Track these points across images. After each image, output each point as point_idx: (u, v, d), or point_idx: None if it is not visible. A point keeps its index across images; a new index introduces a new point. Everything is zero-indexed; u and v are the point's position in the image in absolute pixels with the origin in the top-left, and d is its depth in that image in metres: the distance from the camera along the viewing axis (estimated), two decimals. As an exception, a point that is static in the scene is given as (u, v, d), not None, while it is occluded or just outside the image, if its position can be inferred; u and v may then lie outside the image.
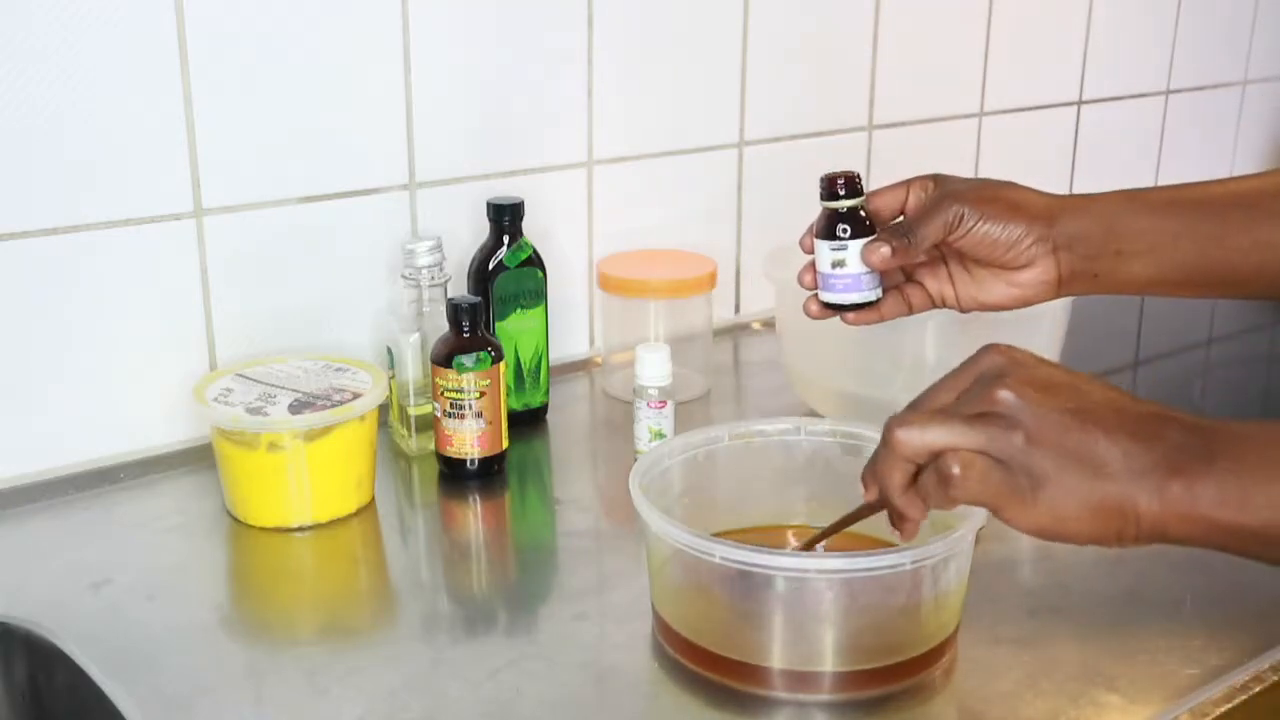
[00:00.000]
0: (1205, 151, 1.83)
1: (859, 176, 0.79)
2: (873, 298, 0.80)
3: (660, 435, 0.96)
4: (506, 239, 1.04)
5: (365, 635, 0.78)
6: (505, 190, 1.12)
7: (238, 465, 0.89)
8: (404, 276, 1.01)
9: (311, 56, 1.01)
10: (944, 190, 0.79)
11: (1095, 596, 0.82)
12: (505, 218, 1.04)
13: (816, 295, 0.82)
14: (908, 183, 0.82)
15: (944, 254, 0.82)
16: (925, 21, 1.42)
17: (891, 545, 0.69)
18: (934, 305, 0.83)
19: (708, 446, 0.83)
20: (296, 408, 0.88)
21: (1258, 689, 0.72)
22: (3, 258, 0.92)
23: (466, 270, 1.06)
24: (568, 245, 1.21)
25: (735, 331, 1.32)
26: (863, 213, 0.79)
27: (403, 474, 1.00)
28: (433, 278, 1.00)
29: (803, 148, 1.33)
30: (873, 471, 0.66)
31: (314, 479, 0.89)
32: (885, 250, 0.77)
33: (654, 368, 0.96)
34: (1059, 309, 1.01)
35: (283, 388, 0.92)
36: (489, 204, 1.04)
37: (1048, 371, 0.63)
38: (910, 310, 0.83)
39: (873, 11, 1.37)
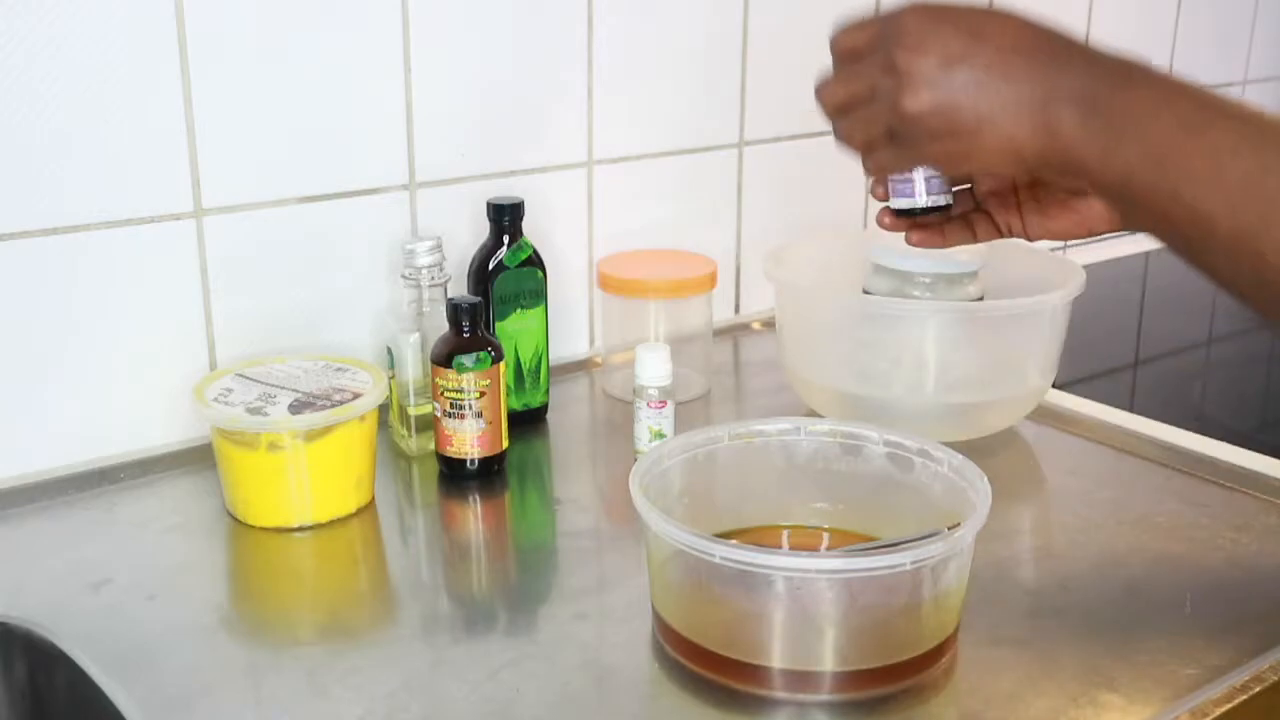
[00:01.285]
0: (1205, 151, 1.83)
1: None
2: (943, 201, 0.78)
3: (660, 435, 0.96)
4: (506, 239, 1.04)
5: (365, 635, 0.78)
6: (505, 190, 1.12)
7: (238, 465, 0.89)
8: (404, 276, 1.01)
9: (311, 57, 1.01)
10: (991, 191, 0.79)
11: (1095, 596, 0.82)
12: (505, 218, 1.04)
13: (887, 207, 0.79)
14: None
15: (1013, 186, 0.79)
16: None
17: (891, 545, 0.69)
18: (999, 235, 0.80)
19: (708, 446, 0.83)
20: (296, 408, 0.88)
21: (1258, 689, 0.72)
22: (3, 258, 0.92)
23: (466, 270, 1.06)
24: (568, 245, 1.21)
25: (735, 331, 1.32)
26: None
27: (403, 474, 1.00)
28: (433, 278, 1.00)
29: (803, 148, 1.33)
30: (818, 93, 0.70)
31: (314, 479, 0.89)
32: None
33: (654, 368, 0.96)
34: (1059, 310, 1.01)
35: (283, 388, 0.92)
36: (489, 204, 1.04)
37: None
38: (975, 238, 0.80)
39: (873, 12, 1.36)
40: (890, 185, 0.79)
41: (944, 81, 0.64)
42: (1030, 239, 0.81)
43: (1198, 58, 1.75)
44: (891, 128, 0.67)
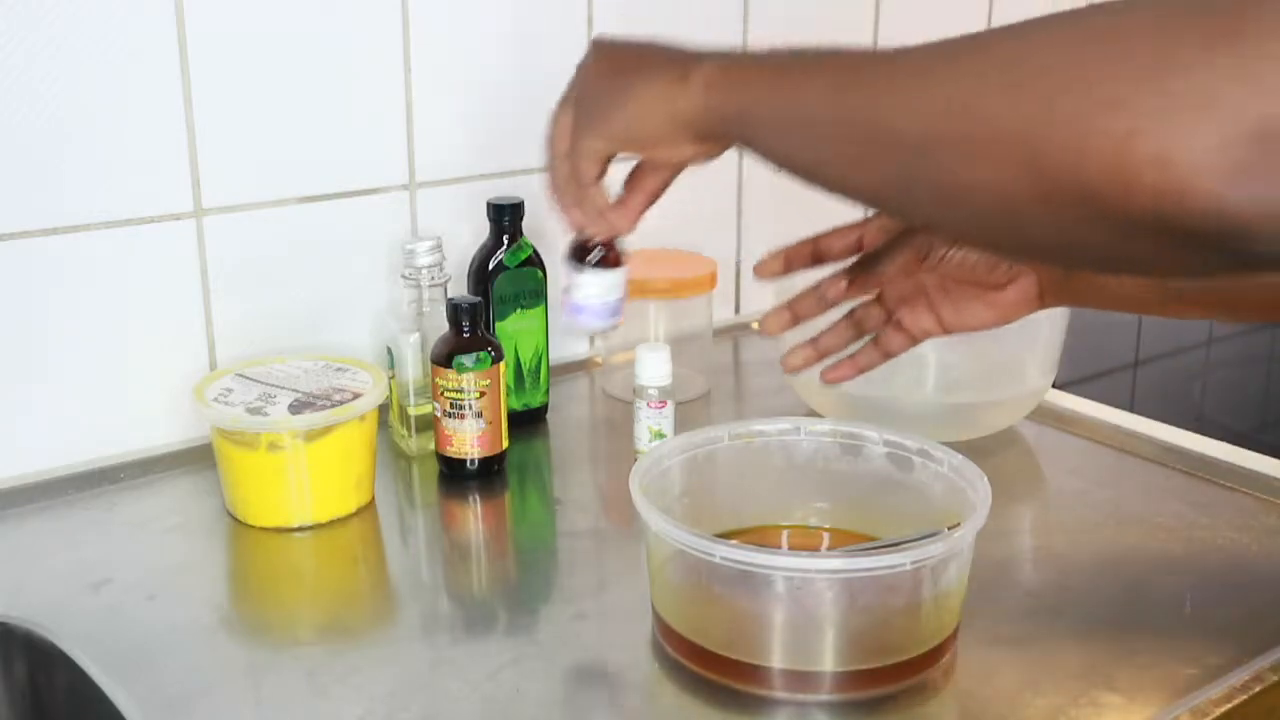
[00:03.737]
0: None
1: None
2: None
3: (660, 435, 0.96)
4: (506, 239, 1.04)
5: (365, 635, 0.78)
6: (505, 190, 1.12)
7: (238, 465, 0.89)
8: (404, 276, 1.01)
9: (311, 56, 1.01)
10: (895, 292, 0.81)
11: (1095, 596, 0.82)
12: (505, 218, 1.04)
13: (797, 348, 0.84)
14: (864, 222, 0.83)
15: (924, 284, 0.82)
16: (925, 21, 1.42)
17: (891, 545, 0.69)
18: (915, 343, 0.83)
19: (708, 446, 0.83)
20: (296, 408, 0.88)
21: (1258, 689, 0.72)
22: (3, 258, 0.92)
23: (466, 270, 1.06)
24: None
25: (735, 331, 1.32)
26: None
27: (403, 474, 1.00)
28: (433, 278, 1.00)
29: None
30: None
31: (314, 479, 0.89)
32: (842, 283, 0.79)
33: (654, 368, 0.96)
34: (1059, 310, 1.01)
35: (283, 388, 0.92)
36: (489, 204, 1.04)
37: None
38: (890, 356, 0.83)
39: (873, 11, 1.37)
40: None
41: (607, 65, 0.73)
42: (948, 333, 0.82)
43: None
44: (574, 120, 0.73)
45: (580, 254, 0.78)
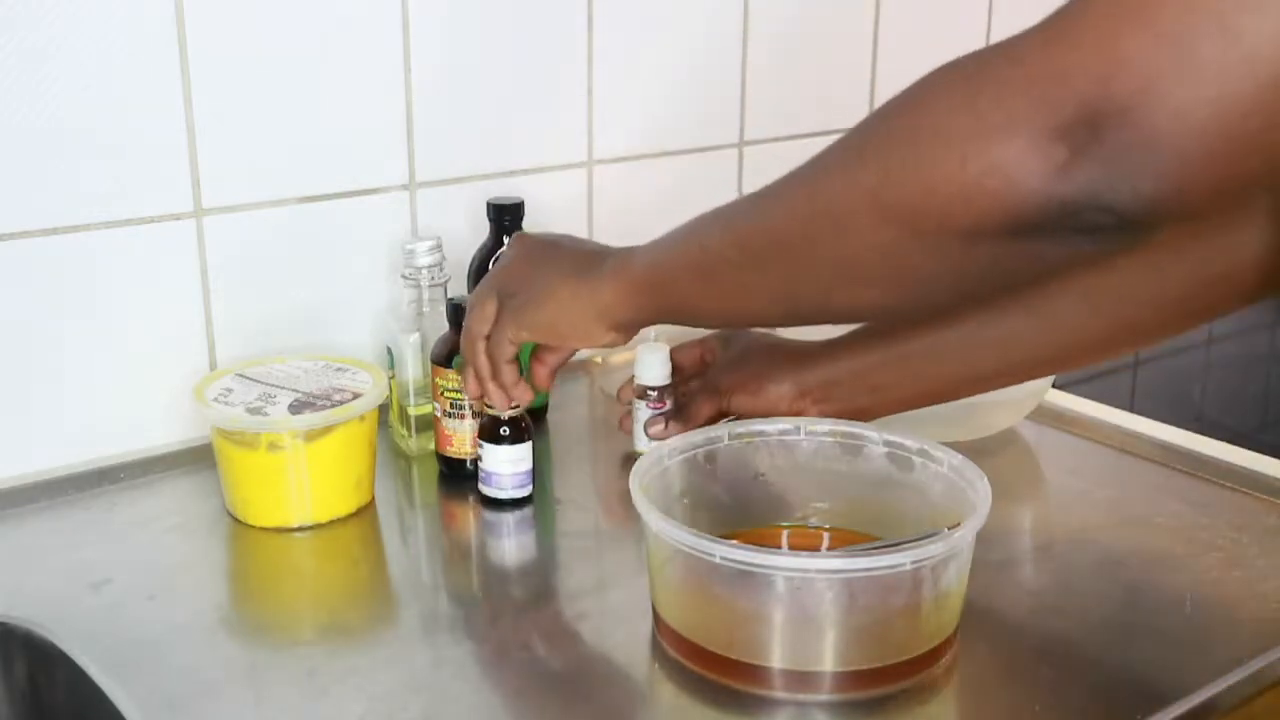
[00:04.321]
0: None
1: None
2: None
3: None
4: (506, 239, 1.04)
5: (365, 635, 0.78)
6: (505, 190, 1.12)
7: (238, 465, 0.89)
8: (404, 276, 1.01)
9: (311, 56, 1.01)
10: (706, 382, 0.94)
11: (1095, 596, 0.82)
12: (505, 218, 1.04)
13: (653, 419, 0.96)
14: (701, 342, 0.97)
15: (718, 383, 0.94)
16: (925, 21, 1.42)
17: (891, 545, 0.69)
18: (713, 420, 0.93)
19: (708, 446, 0.83)
20: (296, 408, 0.88)
21: (1258, 689, 0.72)
22: (3, 258, 0.92)
23: (466, 270, 1.06)
24: (568, 245, 1.20)
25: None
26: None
27: (403, 474, 1.00)
28: (433, 278, 1.00)
29: (803, 148, 1.32)
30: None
31: (314, 479, 0.89)
32: (659, 428, 0.94)
33: (654, 368, 0.96)
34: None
35: (283, 388, 0.92)
36: (489, 204, 1.04)
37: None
38: (691, 425, 0.93)
39: (873, 11, 1.37)
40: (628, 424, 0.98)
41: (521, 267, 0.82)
42: (738, 416, 0.92)
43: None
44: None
45: (492, 429, 0.90)
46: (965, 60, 0.54)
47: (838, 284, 0.62)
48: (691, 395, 0.95)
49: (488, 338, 0.82)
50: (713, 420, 0.93)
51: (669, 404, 0.96)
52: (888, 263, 0.58)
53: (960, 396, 0.90)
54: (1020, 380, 0.91)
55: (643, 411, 0.96)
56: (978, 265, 0.55)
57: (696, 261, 0.69)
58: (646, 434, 0.95)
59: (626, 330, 0.77)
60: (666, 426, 0.94)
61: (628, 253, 0.75)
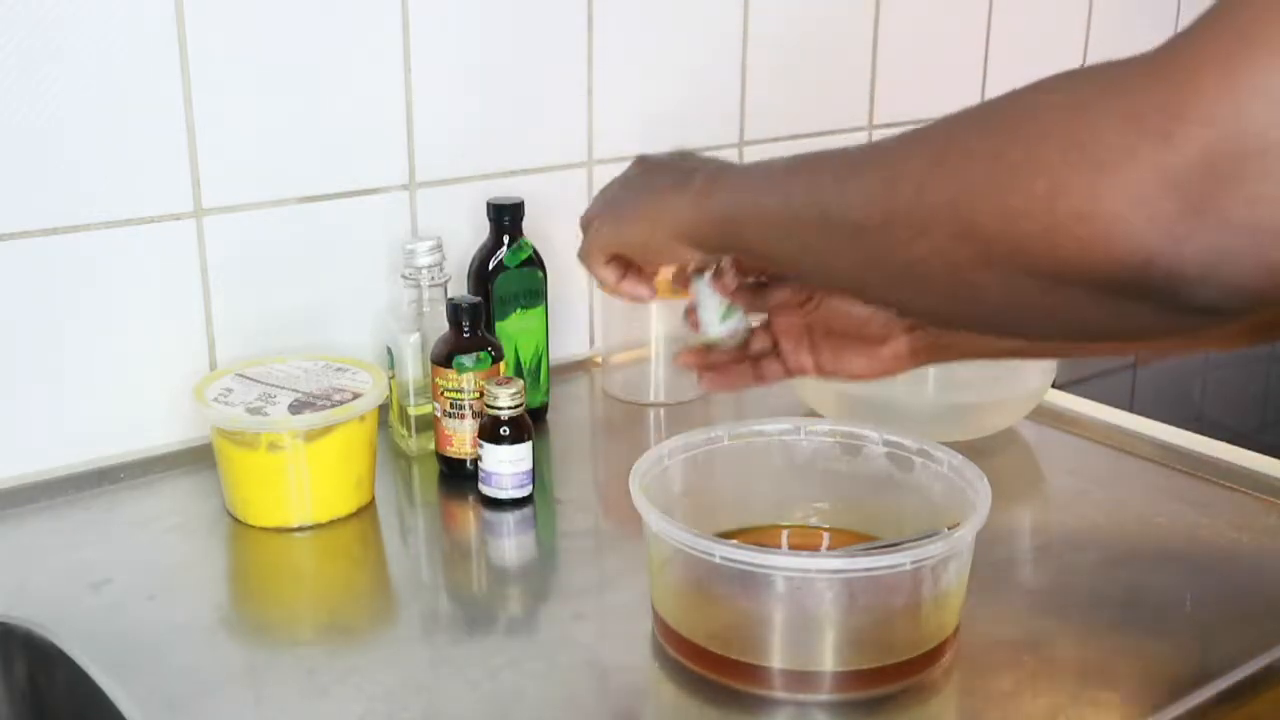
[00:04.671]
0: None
1: None
2: (733, 331, 0.80)
3: (733, 312, 0.82)
4: (506, 239, 1.04)
5: (365, 635, 0.78)
6: (505, 190, 1.12)
7: (238, 465, 0.89)
8: (404, 276, 1.01)
9: (311, 56, 1.01)
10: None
11: (1095, 596, 0.82)
12: (505, 218, 1.04)
13: (687, 347, 0.84)
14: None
15: (811, 325, 0.82)
16: (925, 21, 1.42)
17: (891, 545, 0.69)
18: (788, 375, 0.83)
19: (708, 446, 0.83)
20: (296, 408, 0.88)
21: (1258, 689, 0.72)
22: (3, 258, 0.92)
23: (466, 270, 1.06)
24: (568, 245, 1.20)
25: (735, 331, 1.32)
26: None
27: (403, 474, 1.00)
28: (433, 278, 1.00)
29: (802, 148, 1.32)
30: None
31: (314, 479, 0.89)
32: (730, 282, 0.81)
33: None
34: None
35: (283, 388, 0.92)
36: (489, 204, 1.04)
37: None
38: (762, 381, 0.83)
39: (873, 11, 1.37)
40: (694, 317, 0.81)
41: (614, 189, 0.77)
42: (824, 376, 0.82)
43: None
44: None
45: (492, 428, 0.90)
46: (1062, 78, 0.47)
47: (904, 281, 0.56)
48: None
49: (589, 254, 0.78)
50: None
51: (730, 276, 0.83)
52: (955, 278, 0.51)
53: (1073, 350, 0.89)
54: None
55: (705, 291, 0.81)
56: (1053, 308, 0.48)
57: (777, 214, 0.65)
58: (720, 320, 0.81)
59: (705, 249, 0.72)
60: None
61: (717, 174, 0.70)
